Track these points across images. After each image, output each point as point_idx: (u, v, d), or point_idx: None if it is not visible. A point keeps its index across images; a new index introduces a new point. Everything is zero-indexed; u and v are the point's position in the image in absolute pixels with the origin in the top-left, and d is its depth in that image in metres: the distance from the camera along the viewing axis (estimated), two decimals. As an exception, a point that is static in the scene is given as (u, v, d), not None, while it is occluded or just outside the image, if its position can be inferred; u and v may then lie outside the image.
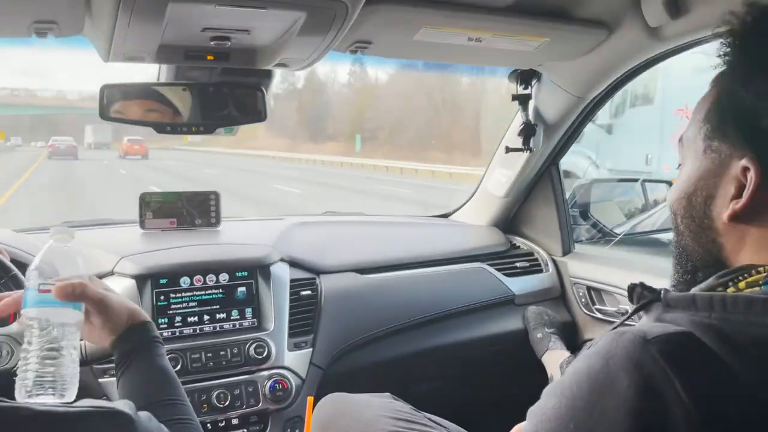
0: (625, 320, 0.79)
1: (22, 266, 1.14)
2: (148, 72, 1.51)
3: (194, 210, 1.83)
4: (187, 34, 1.17)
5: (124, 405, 0.63)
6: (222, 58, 1.32)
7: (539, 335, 1.90)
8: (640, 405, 0.55)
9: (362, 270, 1.85)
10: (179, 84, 1.43)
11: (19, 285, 0.96)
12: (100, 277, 1.50)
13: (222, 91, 1.46)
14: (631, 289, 0.74)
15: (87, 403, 0.62)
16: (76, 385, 0.79)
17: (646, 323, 0.69)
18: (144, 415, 0.59)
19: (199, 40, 1.20)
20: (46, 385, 0.75)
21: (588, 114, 1.86)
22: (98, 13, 1.04)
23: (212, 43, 1.20)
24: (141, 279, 1.51)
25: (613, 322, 1.86)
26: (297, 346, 1.61)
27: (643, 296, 0.72)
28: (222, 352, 1.52)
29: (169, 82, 1.45)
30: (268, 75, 1.54)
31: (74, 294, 0.78)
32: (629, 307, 0.76)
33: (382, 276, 1.86)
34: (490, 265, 2.04)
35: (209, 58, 1.31)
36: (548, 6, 1.36)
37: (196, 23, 1.11)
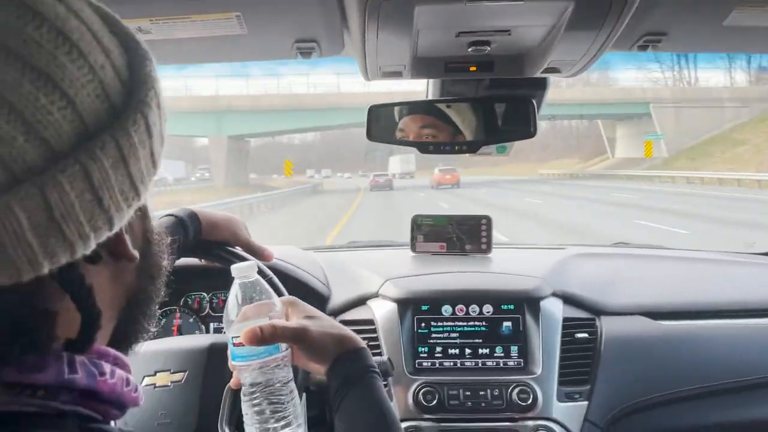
0: None
1: (284, 276, 1.20)
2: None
3: (464, 235, 1.76)
4: (443, 43, 1.08)
5: None
6: (485, 68, 1.20)
7: None
8: None
9: (655, 314, 1.54)
10: (443, 100, 1.36)
11: (277, 290, 0.98)
12: (366, 298, 1.51)
13: (489, 105, 1.35)
14: None
15: None
16: (301, 417, 0.79)
17: None
18: None
19: (457, 49, 1.10)
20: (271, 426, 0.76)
21: None
22: (353, 27, 1.01)
23: (470, 50, 1.09)
24: (402, 303, 1.47)
25: None
26: (569, 397, 1.39)
27: None
28: (482, 392, 1.38)
29: (431, 99, 1.39)
30: (541, 85, 1.38)
31: (263, 337, 0.74)
32: None
33: (681, 324, 1.53)
34: None
35: (472, 69, 1.21)
36: None
37: (450, 28, 1.01)
